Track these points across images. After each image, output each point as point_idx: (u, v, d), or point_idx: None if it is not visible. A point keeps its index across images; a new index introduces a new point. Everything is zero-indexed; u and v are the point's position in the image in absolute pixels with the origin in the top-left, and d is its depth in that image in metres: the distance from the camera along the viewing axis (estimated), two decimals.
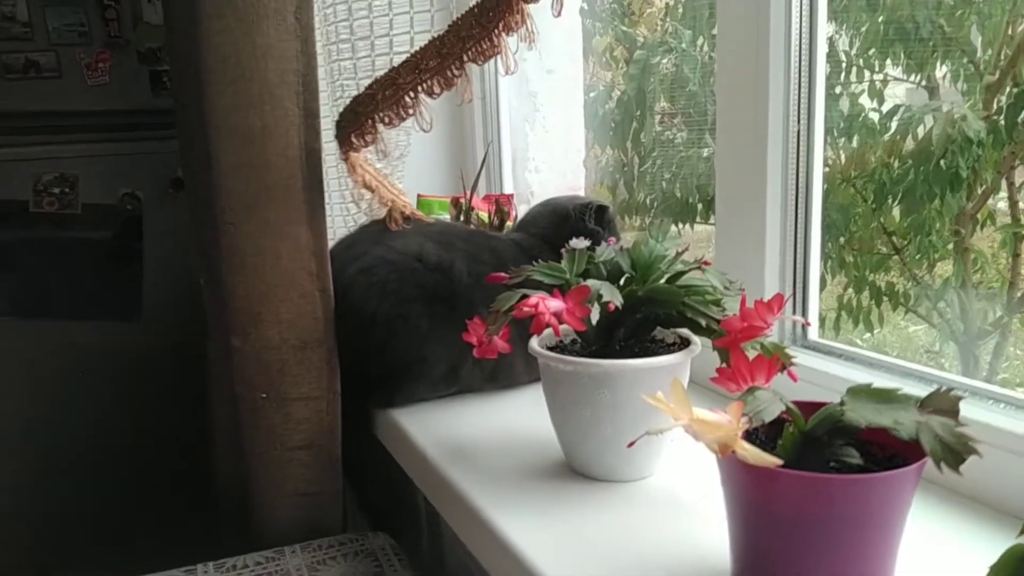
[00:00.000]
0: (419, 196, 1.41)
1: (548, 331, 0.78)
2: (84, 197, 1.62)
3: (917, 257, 1.64)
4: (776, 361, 0.61)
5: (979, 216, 1.53)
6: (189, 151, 0.95)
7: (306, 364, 0.91)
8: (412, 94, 0.77)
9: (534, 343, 0.74)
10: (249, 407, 0.93)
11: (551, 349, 0.75)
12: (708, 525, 0.64)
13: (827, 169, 1.29)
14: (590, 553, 0.61)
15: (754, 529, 0.50)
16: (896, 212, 1.63)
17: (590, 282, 0.69)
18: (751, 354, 0.62)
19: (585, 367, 0.68)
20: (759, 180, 0.85)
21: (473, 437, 0.86)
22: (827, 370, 0.79)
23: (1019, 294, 1.45)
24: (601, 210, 0.99)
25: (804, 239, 0.87)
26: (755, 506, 0.49)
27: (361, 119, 0.83)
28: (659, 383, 0.68)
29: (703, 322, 0.67)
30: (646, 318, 0.73)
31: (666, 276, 0.71)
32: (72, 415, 1.60)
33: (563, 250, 0.77)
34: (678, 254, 0.73)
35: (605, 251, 0.77)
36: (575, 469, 0.74)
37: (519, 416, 0.90)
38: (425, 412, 0.92)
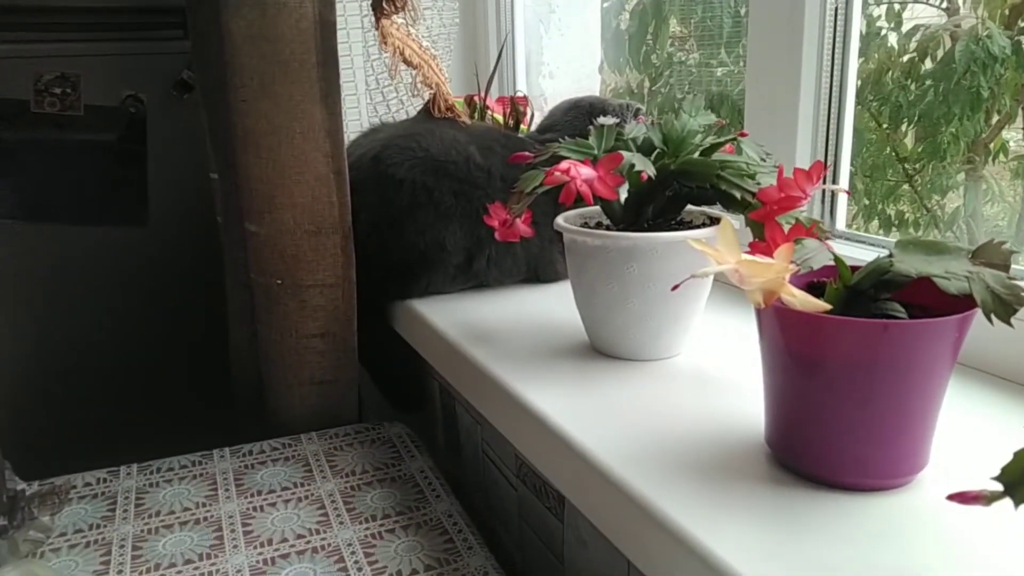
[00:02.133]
0: None
1: (574, 214, 0.77)
2: (86, 98, 1.57)
3: (929, 186, 1.62)
4: (813, 232, 0.59)
5: (991, 147, 1.50)
6: (201, 29, 0.92)
7: (321, 250, 0.89)
8: None
9: (560, 220, 0.72)
10: (264, 293, 0.92)
11: None
12: (739, 397, 0.63)
13: None
14: (622, 424, 0.60)
15: (794, 381, 0.49)
16: (910, 138, 1.60)
17: (622, 152, 0.67)
18: (786, 228, 0.61)
19: (614, 240, 0.66)
20: (794, 60, 0.81)
21: (494, 323, 0.85)
22: (857, 256, 0.77)
23: None
24: (638, 111, 0.97)
25: (836, 138, 0.84)
26: (798, 356, 0.48)
27: None
28: (689, 258, 0.67)
29: (738, 195, 0.65)
30: (676, 195, 0.71)
31: (700, 150, 0.68)
32: (82, 315, 1.59)
33: (590, 127, 0.75)
34: (711, 127, 0.71)
35: (635, 128, 0.75)
36: (600, 349, 0.73)
37: (541, 305, 0.89)
38: (445, 302, 0.91)
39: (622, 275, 0.67)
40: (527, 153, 0.78)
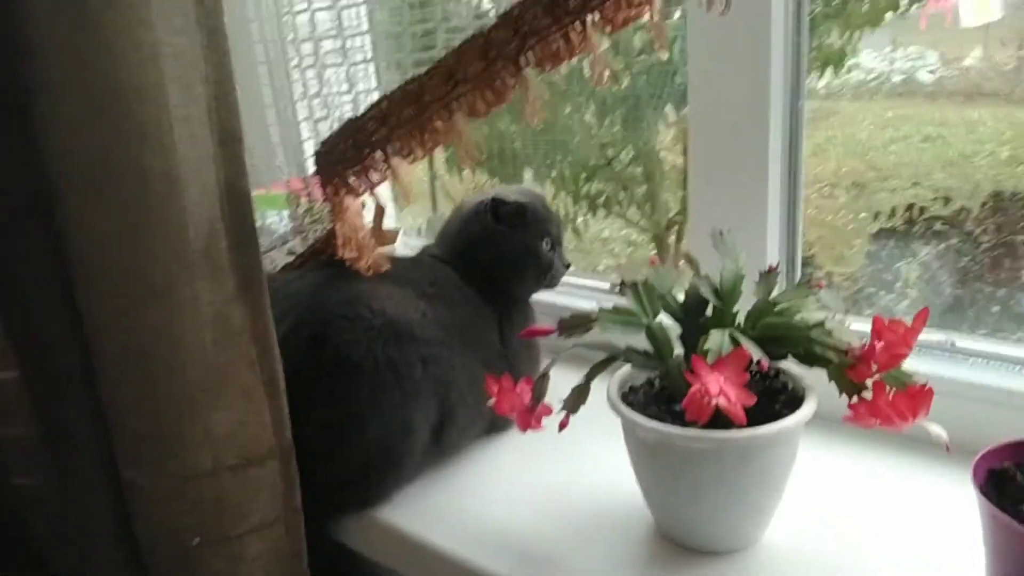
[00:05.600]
0: None
1: (617, 376, 0.65)
2: None
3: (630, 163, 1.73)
4: (926, 390, 0.55)
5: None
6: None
7: (253, 485, 0.66)
8: (445, 114, 0.54)
9: (631, 413, 0.59)
10: (176, 558, 0.66)
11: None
12: None
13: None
14: None
15: None
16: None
17: (714, 336, 0.56)
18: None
19: (733, 442, 0.56)
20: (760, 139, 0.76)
21: (499, 511, 0.70)
22: None
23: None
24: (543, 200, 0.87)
25: (793, 198, 0.81)
26: None
27: (364, 152, 0.57)
28: (797, 437, 0.60)
29: (836, 358, 0.58)
30: None
31: (777, 306, 0.60)
32: None
33: (621, 287, 0.63)
34: (770, 272, 0.63)
35: (661, 276, 0.64)
36: (682, 543, 0.63)
37: (528, 468, 0.76)
38: (415, 498, 0.73)
39: (740, 474, 0.57)
40: (544, 327, 0.65)
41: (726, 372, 0.53)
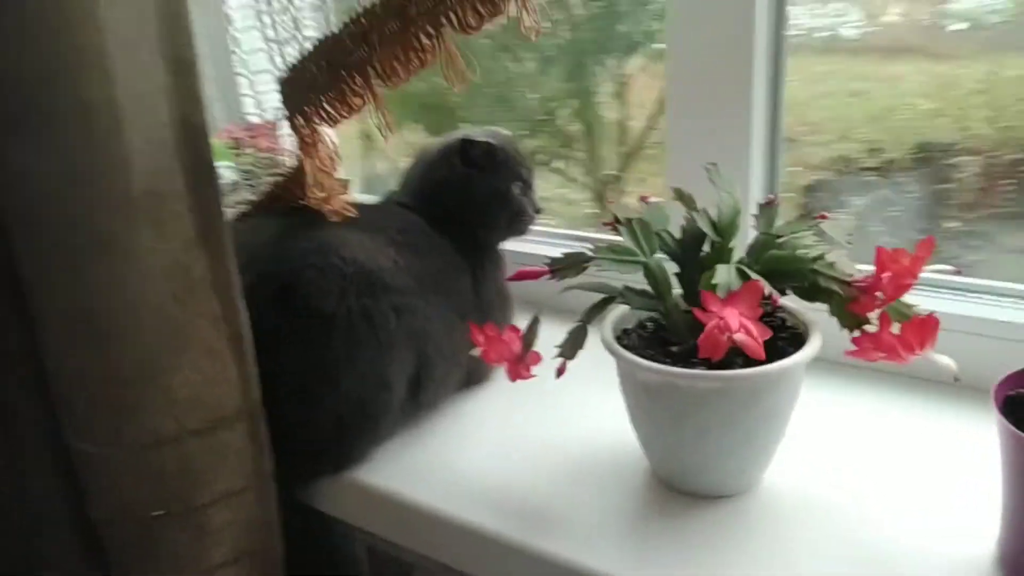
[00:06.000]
0: None
1: (609, 320, 0.61)
2: None
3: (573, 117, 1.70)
4: (932, 319, 0.54)
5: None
6: None
7: (220, 450, 0.60)
8: (431, 29, 0.49)
9: (631, 355, 0.56)
10: (135, 533, 0.60)
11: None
12: (901, 515, 0.56)
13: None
14: None
15: None
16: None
17: (721, 271, 0.53)
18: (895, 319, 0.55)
19: (741, 380, 0.53)
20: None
21: (488, 468, 0.66)
22: None
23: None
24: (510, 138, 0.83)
25: (776, 132, 0.79)
26: None
27: (340, 75, 0.51)
28: (801, 374, 0.57)
29: (841, 290, 0.56)
30: None
31: (780, 238, 0.58)
32: None
33: (614, 224, 0.59)
34: (769, 205, 0.61)
35: (651, 212, 0.61)
36: (681, 487, 0.60)
37: (518, 423, 0.72)
38: (394, 456, 0.69)
39: (748, 413, 0.55)
40: (535, 269, 0.61)
41: (740, 307, 0.50)
